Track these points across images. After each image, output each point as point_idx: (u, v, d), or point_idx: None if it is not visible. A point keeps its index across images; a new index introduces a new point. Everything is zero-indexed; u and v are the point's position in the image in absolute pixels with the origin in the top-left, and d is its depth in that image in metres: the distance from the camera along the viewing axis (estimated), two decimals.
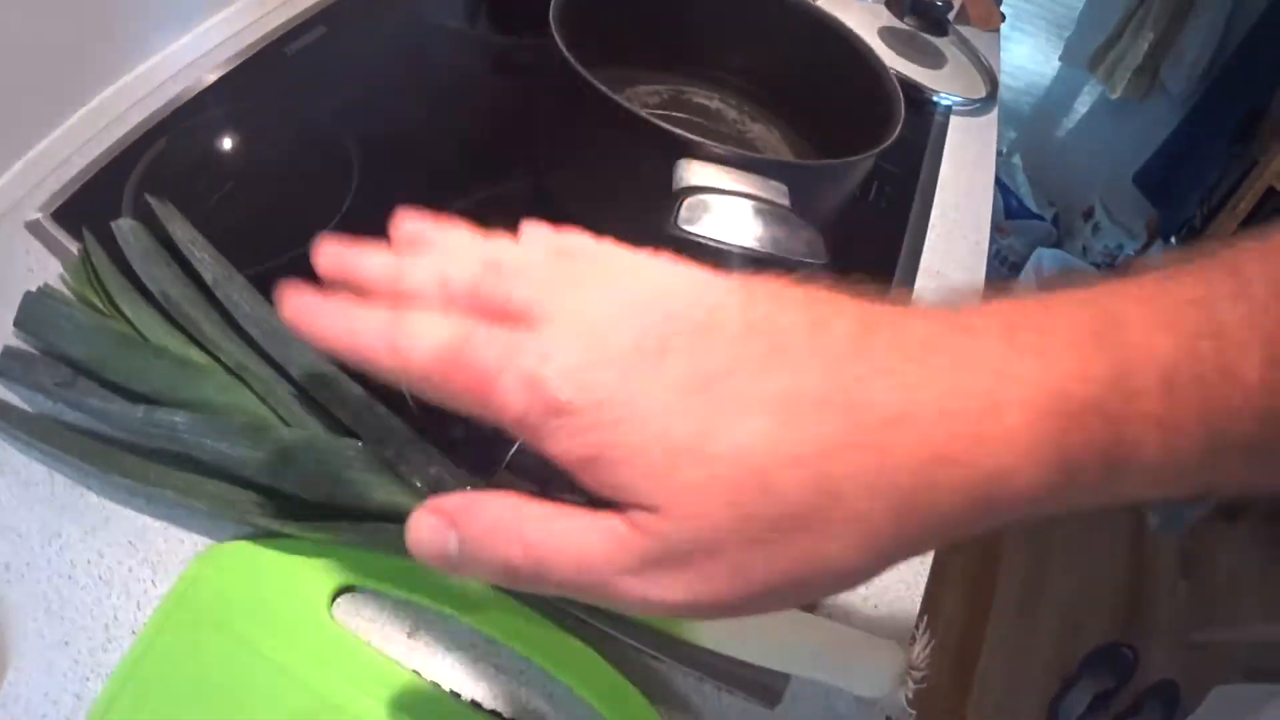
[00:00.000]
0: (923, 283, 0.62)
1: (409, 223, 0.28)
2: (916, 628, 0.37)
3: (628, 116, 0.43)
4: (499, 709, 0.35)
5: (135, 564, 0.37)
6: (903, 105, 0.53)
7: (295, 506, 0.37)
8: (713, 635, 0.36)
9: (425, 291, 0.24)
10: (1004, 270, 1.88)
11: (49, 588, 0.36)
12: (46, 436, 0.39)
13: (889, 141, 0.49)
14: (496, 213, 0.55)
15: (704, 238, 0.37)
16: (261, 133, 0.57)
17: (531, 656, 0.36)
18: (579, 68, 0.44)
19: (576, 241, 0.26)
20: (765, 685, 0.38)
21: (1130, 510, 1.80)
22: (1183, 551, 1.76)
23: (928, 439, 0.18)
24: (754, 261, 0.38)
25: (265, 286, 0.43)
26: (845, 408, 0.19)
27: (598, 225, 0.52)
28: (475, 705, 0.35)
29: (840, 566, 0.19)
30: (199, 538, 0.38)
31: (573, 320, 0.22)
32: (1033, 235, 1.86)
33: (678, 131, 0.42)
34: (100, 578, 0.36)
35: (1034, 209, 1.88)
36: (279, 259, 0.48)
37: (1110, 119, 1.90)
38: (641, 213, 0.39)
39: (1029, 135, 2.02)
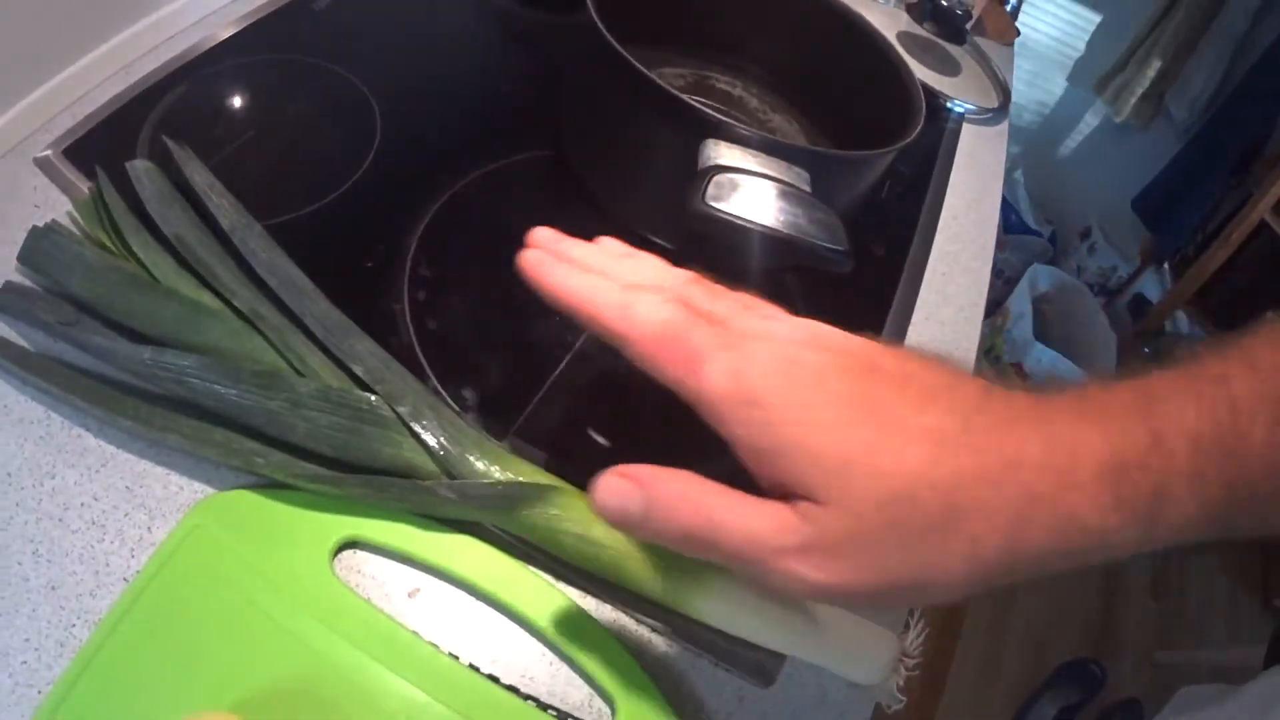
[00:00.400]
0: (928, 280, 0.62)
1: (613, 242, 0.33)
2: (910, 616, 0.38)
3: (659, 93, 0.43)
4: (496, 674, 0.35)
5: (131, 509, 0.36)
6: (924, 106, 0.53)
7: (304, 457, 0.36)
8: (715, 612, 0.36)
9: (644, 284, 0.29)
10: (999, 283, 1.89)
11: (38, 530, 0.35)
12: (46, 374, 0.38)
13: (910, 138, 0.49)
14: (515, 180, 0.55)
15: (730, 214, 0.37)
16: (285, 85, 0.56)
17: (533, 622, 0.36)
18: (614, 43, 0.44)
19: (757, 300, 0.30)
20: (761, 665, 0.38)
21: None
22: (1154, 574, 1.78)
23: (1029, 482, 0.23)
24: (778, 242, 0.38)
25: (283, 237, 0.43)
26: (975, 449, 0.24)
27: (618, 198, 0.53)
28: (473, 668, 0.35)
29: (951, 579, 0.24)
30: (200, 485, 0.38)
31: (767, 339, 0.27)
32: (1029, 251, 1.87)
33: (708, 110, 0.42)
34: (93, 522, 0.36)
35: (1032, 225, 1.89)
36: (299, 212, 0.48)
37: (1113, 143, 1.92)
38: (665, 188, 0.39)
39: (1032, 153, 2.04)
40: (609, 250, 0.32)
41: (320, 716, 0.32)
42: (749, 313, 0.28)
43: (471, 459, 0.36)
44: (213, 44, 0.56)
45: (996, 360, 1.63)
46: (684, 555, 0.34)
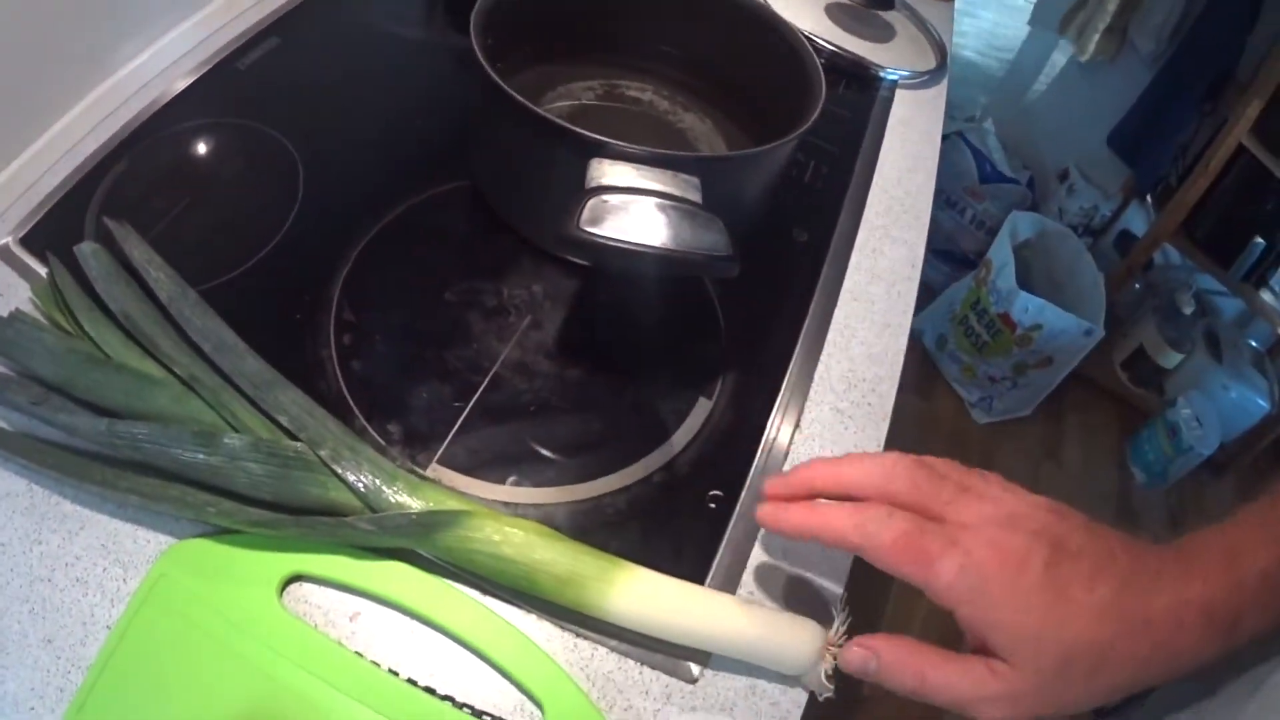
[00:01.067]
0: (855, 261, 0.64)
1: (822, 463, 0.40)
2: (835, 607, 0.40)
3: (537, 119, 0.45)
4: (434, 685, 0.38)
5: (108, 564, 0.40)
6: (823, 89, 0.55)
7: (248, 504, 0.40)
8: (623, 614, 0.38)
9: (869, 495, 0.37)
10: (981, 234, 1.89)
11: (31, 591, 0.39)
12: (24, 451, 0.42)
13: (804, 127, 0.51)
14: (433, 214, 0.58)
15: (606, 238, 0.39)
16: (214, 148, 0.60)
17: (462, 636, 0.39)
18: (490, 70, 0.47)
19: (968, 472, 0.38)
20: (686, 662, 0.41)
21: (1117, 465, 1.83)
22: (1169, 506, 1.78)
23: (1154, 636, 0.33)
24: (659, 257, 0.41)
25: (218, 300, 0.47)
26: (1122, 616, 0.33)
27: (526, 221, 0.55)
28: (411, 682, 0.38)
29: (1092, 702, 0.33)
30: (164, 537, 0.41)
31: (979, 528, 0.34)
32: (1008, 199, 1.86)
33: (583, 131, 0.45)
34: (78, 579, 0.40)
35: (1008, 173, 1.88)
36: (232, 273, 0.52)
37: (1082, 81, 1.90)
38: (558, 214, 0.42)
39: (1001, 99, 2.02)
40: (824, 472, 0.39)
41: None
42: (964, 497, 0.36)
43: (389, 492, 0.39)
44: (149, 115, 0.60)
45: (984, 313, 1.64)
46: (588, 565, 0.39)
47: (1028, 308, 1.54)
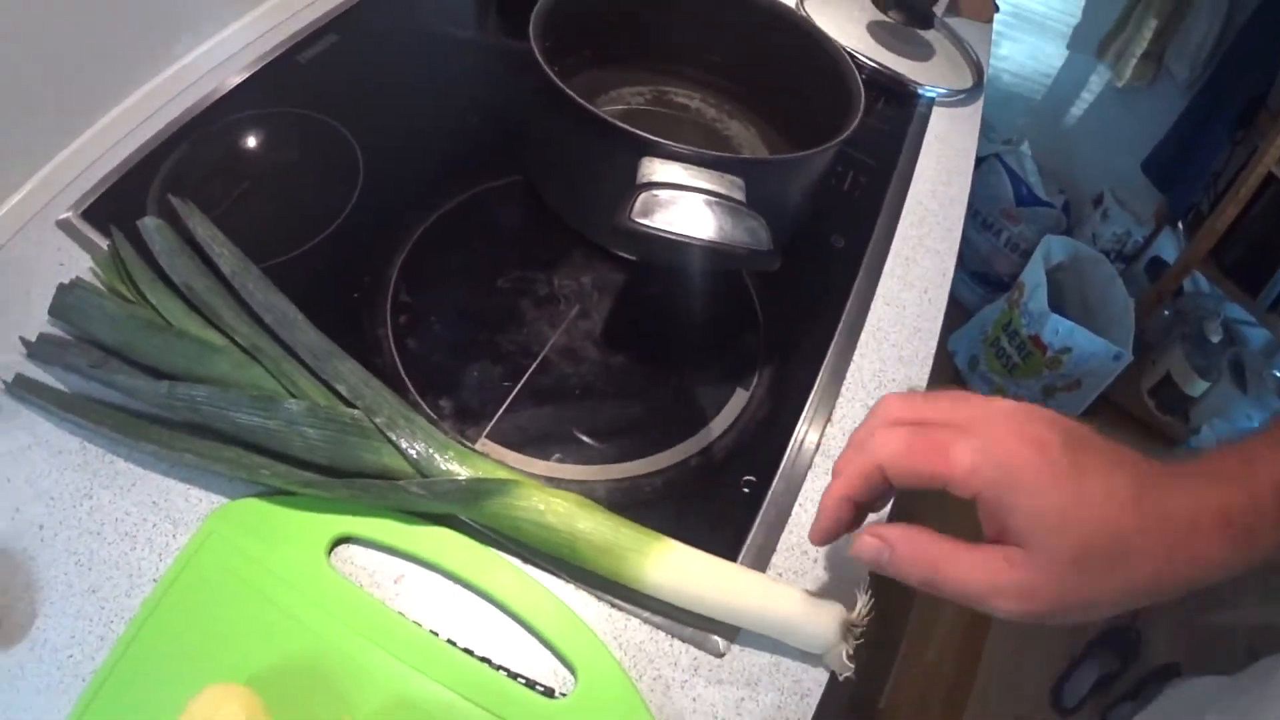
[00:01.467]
0: (889, 268, 0.66)
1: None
2: (859, 590, 0.41)
3: (593, 118, 0.47)
4: (471, 647, 0.40)
5: (158, 520, 0.42)
6: (862, 100, 0.56)
7: (300, 467, 0.42)
8: (660, 585, 0.40)
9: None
10: (1015, 257, 1.89)
11: (79, 544, 0.40)
12: (80, 411, 0.44)
13: (842, 136, 0.53)
14: (487, 205, 0.60)
15: (655, 229, 0.41)
16: (275, 136, 0.62)
17: (502, 601, 0.41)
18: (549, 71, 0.49)
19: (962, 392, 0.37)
20: (714, 637, 0.42)
21: None
22: None
23: (1172, 533, 0.31)
24: (705, 249, 0.42)
25: (279, 277, 0.49)
26: (1142, 508, 0.32)
27: (576, 216, 0.57)
28: (451, 643, 0.39)
29: (1110, 602, 0.32)
30: (216, 496, 0.43)
31: (994, 418, 0.34)
32: (1042, 223, 1.87)
33: (637, 131, 0.46)
34: (126, 534, 0.41)
35: (1044, 197, 1.88)
36: (292, 253, 0.54)
37: (1119, 106, 1.90)
38: (611, 207, 0.43)
39: (1038, 123, 2.02)
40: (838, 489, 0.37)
41: (322, 688, 0.37)
42: (964, 403, 0.35)
43: (441, 460, 0.41)
44: (210, 103, 0.62)
45: (1015, 335, 1.64)
46: (626, 537, 0.40)
47: (1058, 330, 1.54)
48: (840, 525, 0.37)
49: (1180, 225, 1.79)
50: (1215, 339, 1.77)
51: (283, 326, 0.46)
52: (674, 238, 0.41)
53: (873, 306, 0.62)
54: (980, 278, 1.97)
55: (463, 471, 0.41)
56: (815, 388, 0.54)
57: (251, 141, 0.61)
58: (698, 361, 0.55)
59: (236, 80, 0.65)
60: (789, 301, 0.59)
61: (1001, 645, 1.51)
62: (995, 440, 0.32)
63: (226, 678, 0.36)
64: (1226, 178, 1.66)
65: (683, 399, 0.52)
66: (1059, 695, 1.48)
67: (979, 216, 1.91)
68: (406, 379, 0.48)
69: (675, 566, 0.40)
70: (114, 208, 0.54)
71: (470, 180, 0.61)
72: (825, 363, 0.56)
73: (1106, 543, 0.31)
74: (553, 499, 0.40)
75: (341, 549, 0.42)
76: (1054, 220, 1.88)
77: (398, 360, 0.49)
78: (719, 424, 0.50)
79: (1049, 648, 1.54)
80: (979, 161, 1.82)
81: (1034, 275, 1.61)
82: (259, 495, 0.42)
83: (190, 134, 0.60)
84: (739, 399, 0.52)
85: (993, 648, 1.50)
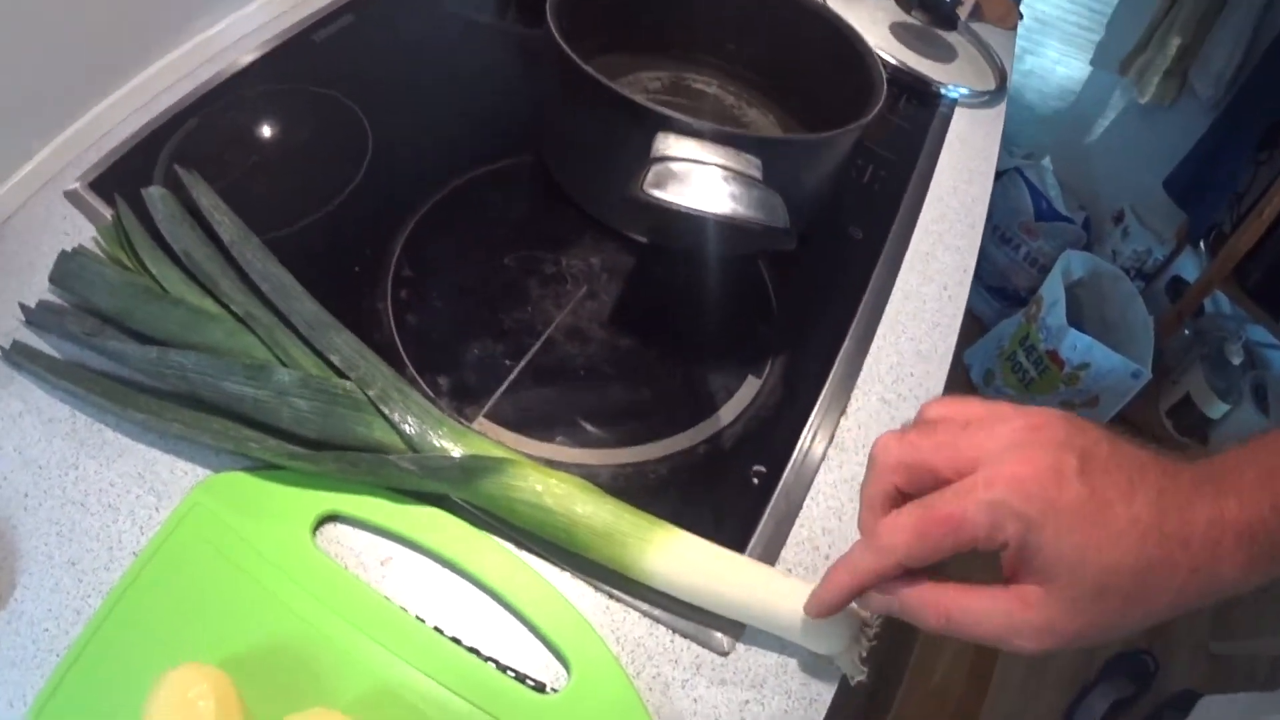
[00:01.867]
0: (909, 261, 0.64)
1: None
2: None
3: (608, 93, 0.46)
4: (459, 636, 0.38)
5: (142, 492, 0.40)
6: (884, 87, 0.55)
7: (290, 440, 0.40)
8: (661, 576, 0.38)
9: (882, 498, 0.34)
10: (1034, 272, 1.86)
11: (62, 514, 0.39)
12: (72, 378, 0.42)
13: (867, 118, 0.51)
14: (496, 184, 0.59)
15: (667, 200, 0.39)
16: (286, 113, 0.61)
17: (494, 588, 0.39)
18: (564, 45, 0.47)
19: (965, 403, 0.34)
20: (718, 634, 0.40)
21: None
22: None
23: (1195, 559, 0.30)
24: (719, 224, 0.41)
25: (282, 249, 0.47)
26: (1163, 537, 0.30)
27: (589, 196, 0.56)
28: (438, 630, 0.37)
29: (1128, 629, 0.31)
30: (201, 469, 0.42)
31: (997, 464, 0.31)
32: (1062, 238, 1.84)
33: (654, 106, 0.45)
34: (110, 505, 0.40)
35: (1064, 212, 1.85)
36: (296, 225, 0.52)
37: (1141, 124, 1.88)
38: (625, 178, 0.42)
39: (1060, 138, 2.00)
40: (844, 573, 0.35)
41: (299, 671, 0.35)
42: (968, 434, 0.32)
43: (434, 436, 0.39)
44: (223, 79, 0.61)
45: (1032, 349, 1.61)
46: (628, 523, 0.38)
47: (1076, 345, 1.51)
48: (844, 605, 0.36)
49: (1202, 245, 1.76)
50: (1236, 361, 1.74)
51: (279, 296, 0.44)
52: (687, 210, 0.39)
53: (891, 299, 0.60)
54: (998, 292, 1.94)
55: (457, 449, 0.39)
56: (830, 378, 0.52)
57: (262, 117, 0.60)
58: (708, 348, 0.53)
59: (251, 58, 0.64)
60: (804, 290, 0.58)
61: (1013, 667, 1.48)
62: (1008, 483, 0.30)
63: (202, 657, 0.34)
64: (1251, 199, 1.63)
65: (691, 385, 0.50)
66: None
67: (998, 231, 1.88)
68: (404, 354, 0.47)
69: (679, 555, 0.37)
70: (121, 179, 0.53)
71: (480, 159, 0.60)
72: (841, 354, 0.54)
73: (1128, 575, 0.30)
74: (551, 480, 0.38)
75: (328, 528, 0.40)
76: (1074, 236, 1.85)
77: (396, 335, 0.48)
78: (728, 412, 0.48)
79: (1061, 671, 1.51)
80: (998, 175, 1.80)
81: (1053, 290, 1.58)
82: (246, 469, 0.41)
83: (202, 109, 0.59)
84: (750, 387, 0.50)
85: (1004, 670, 1.47)
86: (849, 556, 0.34)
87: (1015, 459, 0.31)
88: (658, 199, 0.39)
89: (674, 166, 0.41)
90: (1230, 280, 1.64)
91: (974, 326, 1.93)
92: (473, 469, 0.38)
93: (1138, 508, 0.30)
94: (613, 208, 0.53)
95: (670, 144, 0.44)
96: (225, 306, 0.44)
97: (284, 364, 0.42)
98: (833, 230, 0.63)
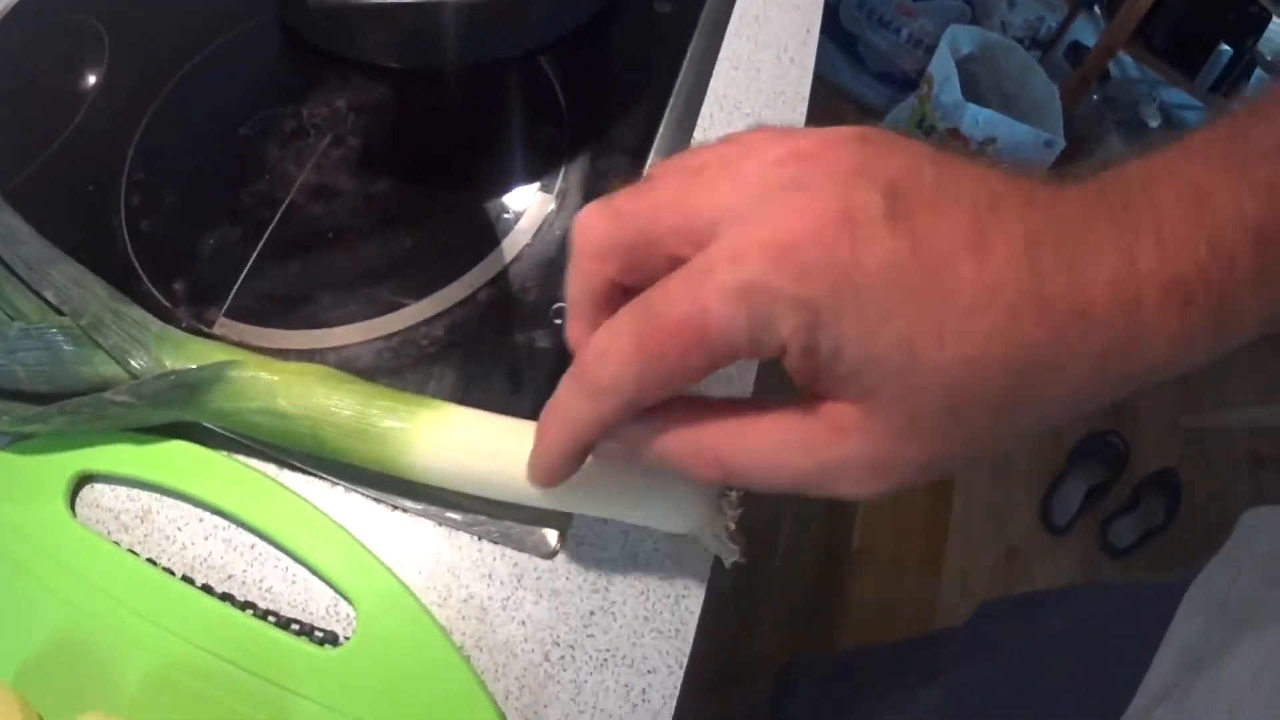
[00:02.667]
0: (737, 27, 0.54)
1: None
2: None
3: None
4: (231, 591, 0.32)
5: None
6: None
7: (36, 402, 0.34)
8: (451, 471, 0.30)
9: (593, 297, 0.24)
10: (919, 53, 1.75)
11: None
12: None
13: None
14: (234, 53, 0.48)
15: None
16: (10, 46, 0.52)
17: (256, 525, 0.33)
18: None
19: (709, 147, 0.23)
20: (539, 529, 0.33)
21: None
22: None
23: (1102, 342, 0.19)
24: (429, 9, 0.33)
25: (26, 192, 0.42)
26: (1044, 307, 0.19)
27: (313, 26, 0.45)
28: (207, 589, 0.32)
29: (1010, 438, 0.21)
30: None
31: (746, 216, 0.20)
32: (944, 15, 1.72)
33: None
34: None
35: None
36: (32, 165, 0.45)
37: None
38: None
39: None
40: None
41: (89, 668, 0.31)
42: (702, 175, 0.21)
43: (159, 355, 0.33)
44: None
45: (931, 130, 1.53)
46: (382, 410, 0.30)
47: (978, 120, 1.44)
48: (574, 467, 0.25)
49: (1096, 8, 1.68)
50: (1154, 124, 1.70)
51: (5, 243, 0.37)
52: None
53: (716, 72, 0.52)
54: (885, 78, 1.83)
55: (180, 364, 0.33)
56: (646, 173, 0.45)
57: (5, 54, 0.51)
58: (479, 170, 0.45)
59: None
60: (601, 80, 0.49)
61: (974, 477, 1.43)
62: (764, 251, 0.19)
63: None
64: None
65: (463, 218, 0.42)
66: (1048, 515, 1.41)
67: (874, 14, 1.77)
68: (139, 267, 0.40)
69: (455, 439, 0.29)
70: None
71: (221, 27, 0.51)
72: (657, 141, 0.46)
73: (999, 377, 0.19)
74: (278, 377, 0.31)
75: (87, 491, 0.35)
76: (956, 11, 1.75)
77: (130, 248, 0.41)
78: (514, 241, 0.41)
79: (1027, 463, 1.46)
80: None
81: (942, 66, 1.49)
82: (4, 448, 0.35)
83: None
84: (542, 205, 0.43)
85: (966, 480, 1.42)
86: (560, 399, 0.24)
87: (777, 210, 0.20)
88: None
89: None
90: (1135, 41, 1.57)
91: (865, 117, 1.83)
92: (191, 384, 0.32)
93: (995, 265, 0.19)
94: (309, 22, 0.45)
95: None
96: None
97: (12, 319, 0.35)
98: (631, 7, 0.54)
